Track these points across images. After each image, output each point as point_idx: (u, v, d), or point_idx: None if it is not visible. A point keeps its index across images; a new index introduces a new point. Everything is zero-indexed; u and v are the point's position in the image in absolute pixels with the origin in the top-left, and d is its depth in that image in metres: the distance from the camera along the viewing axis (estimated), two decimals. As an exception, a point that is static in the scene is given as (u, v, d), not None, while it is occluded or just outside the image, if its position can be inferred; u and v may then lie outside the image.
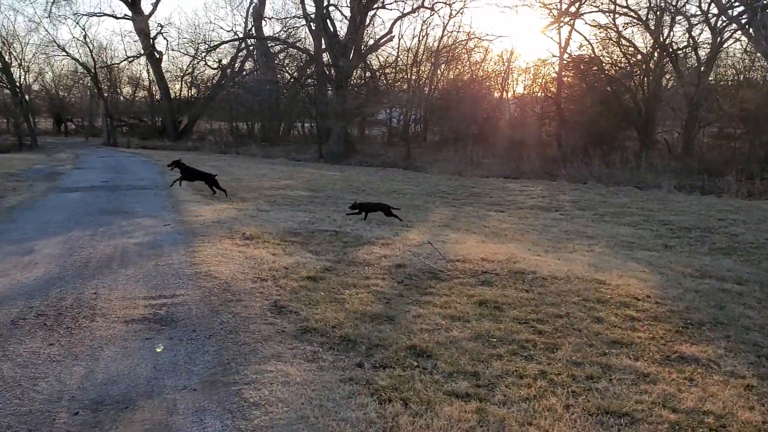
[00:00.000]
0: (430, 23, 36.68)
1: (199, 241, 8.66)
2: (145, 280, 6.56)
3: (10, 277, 6.64)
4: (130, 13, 46.79)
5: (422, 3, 35.65)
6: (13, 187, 15.40)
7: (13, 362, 4.32)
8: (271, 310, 5.63)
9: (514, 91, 38.02)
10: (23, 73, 49.58)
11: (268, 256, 7.83)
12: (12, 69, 45.83)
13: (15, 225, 10.03)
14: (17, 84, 46.56)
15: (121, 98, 57.25)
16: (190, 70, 50.34)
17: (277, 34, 43.17)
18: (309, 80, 40.25)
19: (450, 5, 35.81)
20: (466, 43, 37.03)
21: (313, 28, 37.28)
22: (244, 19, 46.29)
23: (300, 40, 41.99)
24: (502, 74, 36.73)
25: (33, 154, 34.57)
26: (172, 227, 9.87)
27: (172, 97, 49.97)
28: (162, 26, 48.49)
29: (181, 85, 52.18)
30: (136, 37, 48.42)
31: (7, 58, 45.14)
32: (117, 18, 49.14)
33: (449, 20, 45.51)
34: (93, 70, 49.76)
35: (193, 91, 51.66)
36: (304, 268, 7.23)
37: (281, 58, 43.34)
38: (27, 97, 49.72)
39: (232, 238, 8.90)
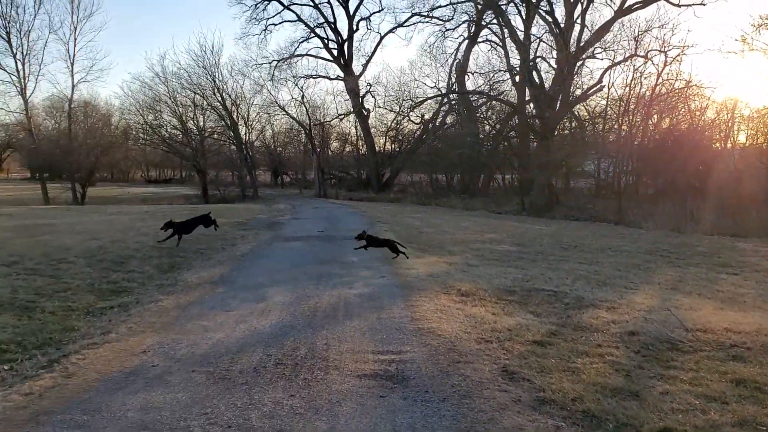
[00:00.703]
0: (642, 72, 34.54)
1: (416, 295, 8.72)
2: (371, 333, 6.68)
3: (248, 323, 7.16)
4: (342, 74, 51.03)
5: (635, 51, 34.12)
6: (242, 236, 17.07)
7: (259, 411, 4.52)
8: (502, 375, 5.36)
9: (735, 141, 34.40)
10: (248, 130, 56.21)
11: (488, 315, 7.61)
12: (239, 127, 52.27)
13: (247, 272, 10.99)
14: (242, 141, 52.82)
15: (330, 152, 62.11)
16: (394, 126, 53.19)
17: (479, 88, 44.04)
18: (511, 132, 40.17)
19: (665, 53, 33.77)
20: (684, 91, 34.45)
21: (517, 80, 37.33)
22: (448, 75, 47.96)
23: (503, 92, 42.33)
24: (726, 123, 33.46)
25: (255, 205, 38.45)
26: (388, 279, 10.11)
27: (376, 151, 53.07)
28: (371, 85, 51.98)
29: (385, 139, 55.31)
30: (347, 96, 52.56)
31: (234, 117, 51.57)
32: (330, 79, 53.84)
33: (664, 68, 42.89)
34: (308, 128, 54.75)
35: (396, 145, 54.39)
36: (528, 330, 6.87)
37: (483, 110, 43.98)
38: (250, 152, 56.08)
39: (448, 294, 8.85)
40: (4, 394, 4.74)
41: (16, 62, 50.57)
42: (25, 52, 50.65)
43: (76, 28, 51.46)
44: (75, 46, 51.98)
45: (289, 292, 9.09)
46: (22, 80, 50.54)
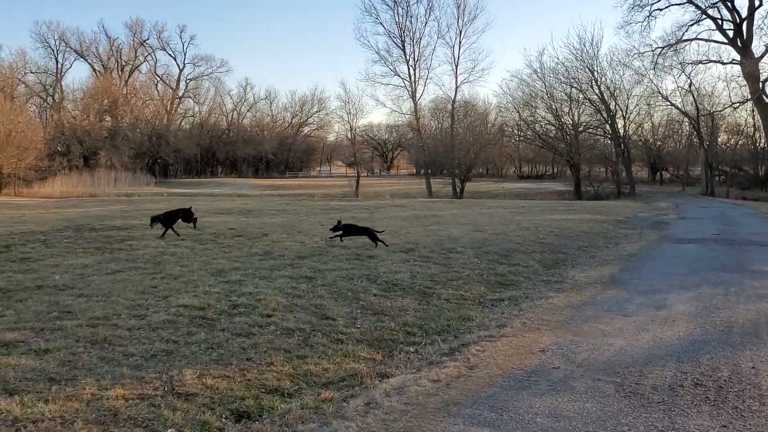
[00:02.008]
0: None
1: None
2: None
3: (651, 332, 6.44)
4: (737, 58, 44.76)
5: None
6: (624, 235, 16.09)
7: (687, 440, 3.87)
8: None
9: None
10: (625, 123, 53.57)
11: None
12: (615, 120, 50.12)
13: (639, 274, 10.14)
14: (618, 134, 50.53)
15: (720, 146, 55.29)
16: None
17: None
18: None
19: None
20: None
21: None
22: None
23: None
24: None
25: (632, 202, 36.39)
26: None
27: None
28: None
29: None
30: (743, 82, 45.91)
31: (612, 109, 49.58)
32: (724, 64, 47.63)
33: None
34: (695, 119, 49.60)
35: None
36: None
37: None
38: (627, 147, 53.37)
39: None
40: (415, 378, 5.02)
41: (408, 68, 57.49)
42: (416, 58, 57.25)
43: (461, 32, 56.11)
44: (459, 48, 56.70)
45: (693, 300, 8.03)
46: (413, 84, 57.22)
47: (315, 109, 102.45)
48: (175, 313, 6.74)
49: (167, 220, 13.13)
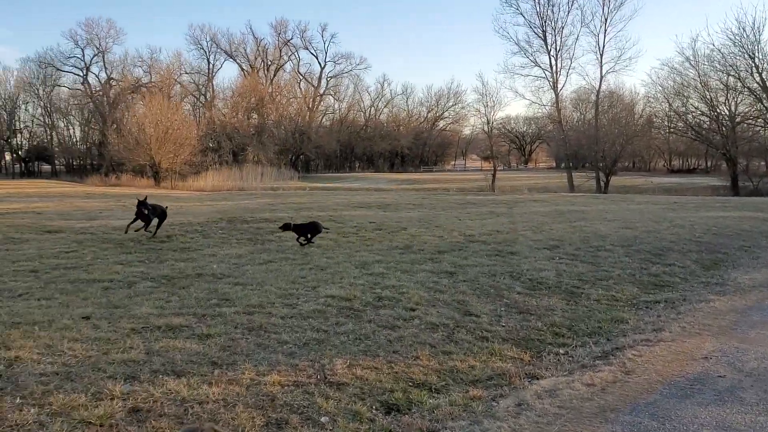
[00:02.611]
0: None
1: None
2: None
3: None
4: None
5: None
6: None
7: None
8: None
9: None
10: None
11: None
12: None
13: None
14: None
15: None
16: None
17: None
18: None
19: None
20: None
21: None
22: None
23: None
24: None
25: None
26: None
27: None
28: None
29: None
30: None
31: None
32: None
33: None
34: None
35: None
36: None
37: None
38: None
39: None
40: (567, 381, 4.86)
41: (549, 58, 55.84)
42: (558, 48, 55.45)
43: (606, 20, 53.54)
44: (605, 37, 54.14)
45: None
46: (554, 75, 55.49)
47: (451, 103, 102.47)
48: (323, 303, 7.02)
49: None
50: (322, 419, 4.14)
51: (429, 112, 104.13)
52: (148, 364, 4.98)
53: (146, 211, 12.34)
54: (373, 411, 4.29)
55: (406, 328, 6.18)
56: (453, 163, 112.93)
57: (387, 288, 7.84)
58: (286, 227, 11.81)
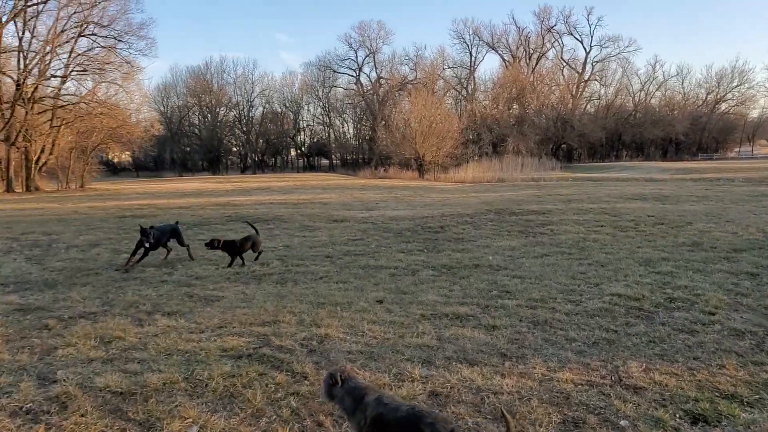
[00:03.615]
0: None
1: None
2: None
3: None
4: None
5: None
6: None
7: None
8: None
9: None
10: None
11: None
12: None
13: None
14: None
15: None
16: None
17: None
18: None
19: None
20: None
21: None
22: None
23: None
24: None
25: None
26: None
27: None
28: None
29: None
30: None
31: None
32: None
33: None
34: None
35: None
36: None
37: None
38: None
39: None
40: None
41: None
42: None
43: None
44: None
45: None
46: None
47: (735, 83, 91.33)
48: (609, 301, 6.76)
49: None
50: (622, 422, 4.00)
51: (709, 94, 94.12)
52: (441, 350, 5.28)
53: (146, 242, 9.69)
54: (677, 419, 4.03)
55: (706, 334, 5.67)
56: (737, 149, 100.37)
57: (678, 288, 7.28)
58: (211, 245, 9.60)
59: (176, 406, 4.24)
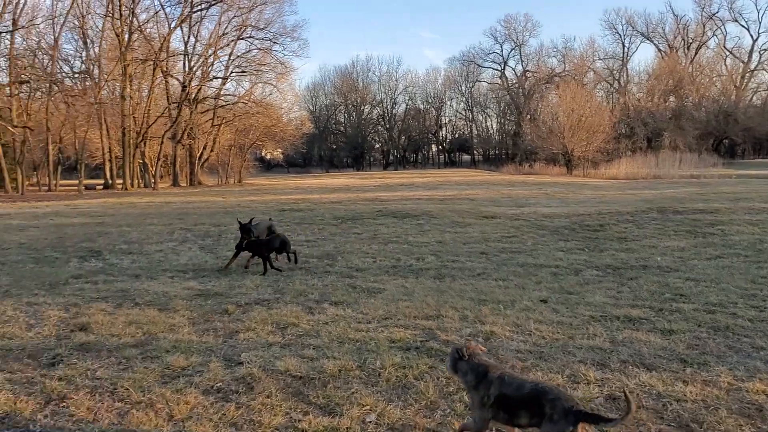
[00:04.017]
0: None
1: None
2: None
3: None
4: None
5: None
6: None
7: None
8: None
9: None
10: None
11: None
12: None
13: None
14: None
15: None
16: None
17: None
18: None
19: None
20: None
21: None
22: None
23: None
24: None
25: None
26: None
27: None
28: None
29: None
30: None
31: None
32: None
33: None
34: None
35: None
36: None
37: None
38: None
39: None
40: None
41: None
42: None
43: None
44: None
45: None
46: None
47: None
48: (799, 309, 6.19)
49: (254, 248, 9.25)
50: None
51: None
52: (614, 353, 5.09)
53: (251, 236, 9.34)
54: None
55: None
56: None
57: None
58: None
59: (353, 393, 4.41)
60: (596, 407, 4.12)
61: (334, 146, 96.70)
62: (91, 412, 4.12)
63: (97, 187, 42.60)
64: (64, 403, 4.28)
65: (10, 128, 35.96)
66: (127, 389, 4.49)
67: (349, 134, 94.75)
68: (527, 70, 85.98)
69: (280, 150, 70.41)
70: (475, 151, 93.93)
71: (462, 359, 3.69)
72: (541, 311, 6.37)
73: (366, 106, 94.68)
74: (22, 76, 37.09)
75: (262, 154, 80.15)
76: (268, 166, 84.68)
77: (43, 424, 3.95)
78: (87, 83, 43.03)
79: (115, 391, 4.49)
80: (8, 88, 37.01)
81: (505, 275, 8.29)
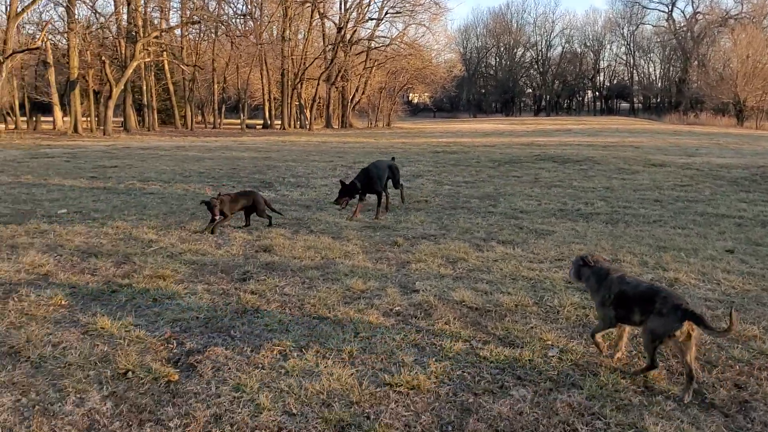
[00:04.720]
0: None
1: None
2: None
3: None
4: None
5: None
6: None
7: None
8: None
9: None
10: None
11: None
12: None
13: None
14: None
15: None
16: None
17: None
18: None
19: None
20: None
21: None
22: None
23: None
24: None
25: None
26: None
27: None
28: None
29: None
30: None
31: None
32: None
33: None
34: None
35: None
36: None
37: None
38: None
39: None
40: None
41: None
42: None
43: None
44: None
45: None
46: None
47: None
48: None
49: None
50: None
51: None
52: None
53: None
54: None
55: None
56: None
57: None
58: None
59: (532, 327, 4.38)
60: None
61: (483, 90, 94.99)
62: (282, 324, 4.43)
63: (257, 126, 45.05)
64: (258, 314, 4.62)
65: (182, 66, 38.72)
66: (314, 305, 4.77)
67: (499, 78, 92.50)
68: (698, 12, 78.54)
69: (428, 93, 70.16)
70: (635, 99, 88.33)
71: (586, 265, 3.94)
72: (728, 261, 5.95)
73: (519, 49, 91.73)
74: (194, 17, 39.52)
75: (410, 98, 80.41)
76: (415, 110, 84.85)
77: (242, 332, 4.29)
78: (249, 24, 45.13)
79: (302, 306, 4.78)
80: (179, 29, 39.69)
81: (683, 223, 7.80)
